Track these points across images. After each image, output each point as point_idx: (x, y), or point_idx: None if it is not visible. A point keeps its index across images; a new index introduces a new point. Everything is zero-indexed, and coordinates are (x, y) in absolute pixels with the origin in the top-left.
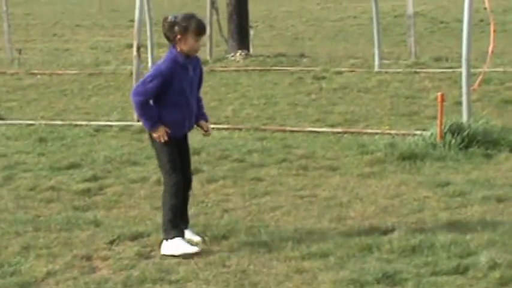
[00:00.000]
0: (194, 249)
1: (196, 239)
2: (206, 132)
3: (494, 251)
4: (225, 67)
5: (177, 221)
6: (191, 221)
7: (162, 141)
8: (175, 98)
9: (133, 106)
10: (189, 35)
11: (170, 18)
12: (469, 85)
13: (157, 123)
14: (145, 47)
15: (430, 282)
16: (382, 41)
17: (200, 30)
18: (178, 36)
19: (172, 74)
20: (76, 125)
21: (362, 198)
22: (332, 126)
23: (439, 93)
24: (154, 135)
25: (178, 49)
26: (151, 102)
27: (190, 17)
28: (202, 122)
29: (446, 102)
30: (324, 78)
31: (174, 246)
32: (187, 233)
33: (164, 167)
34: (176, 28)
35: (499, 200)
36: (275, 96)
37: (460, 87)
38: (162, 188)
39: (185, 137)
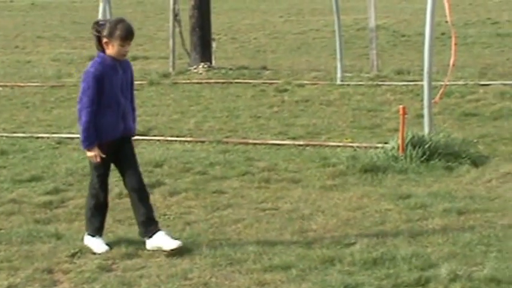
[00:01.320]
0: (102, 249)
1: (176, 243)
2: None
3: (455, 263)
4: (188, 80)
5: (93, 220)
6: None
7: (95, 161)
8: (107, 98)
9: (82, 120)
10: (115, 39)
11: (100, 22)
12: (430, 98)
13: (95, 142)
14: None
15: None
16: (344, 54)
17: (126, 35)
18: (105, 40)
19: (102, 74)
20: (38, 138)
21: (324, 210)
22: (294, 138)
23: (400, 106)
24: (89, 154)
25: (107, 53)
26: None
27: (118, 22)
28: None
29: (408, 115)
30: (286, 90)
31: (90, 243)
32: (164, 238)
33: (92, 169)
34: (104, 32)
35: (460, 212)
36: (237, 108)
37: (422, 100)
38: (123, 200)
39: (127, 142)
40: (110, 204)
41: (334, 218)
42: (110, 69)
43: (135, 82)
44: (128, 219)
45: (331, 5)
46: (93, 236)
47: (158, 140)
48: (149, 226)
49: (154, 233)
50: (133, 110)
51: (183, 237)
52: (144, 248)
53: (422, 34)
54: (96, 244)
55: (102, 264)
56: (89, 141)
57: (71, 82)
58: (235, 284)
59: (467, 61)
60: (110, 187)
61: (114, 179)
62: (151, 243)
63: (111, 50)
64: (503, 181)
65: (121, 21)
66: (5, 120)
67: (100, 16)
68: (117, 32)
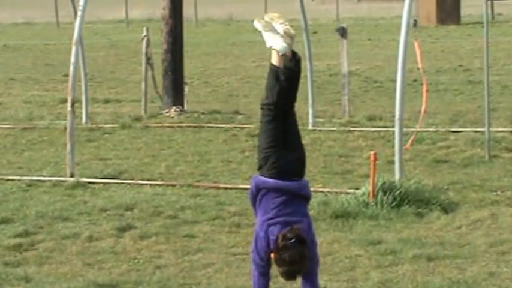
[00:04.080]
0: None
1: None
2: None
3: None
4: (160, 123)
5: None
6: (122, 278)
7: None
8: None
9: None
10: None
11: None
12: (401, 144)
13: None
14: (80, 102)
15: None
16: (316, 99)
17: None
18: (274, 255)
19: None
20: (8, 180)
21: None
22: None
23: (372, 152)
24: None
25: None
26: None
27: (284, 262)
28: None
29: (379, 161)
30: (258, 135)
31: None
32: None
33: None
34: (281, 253)
35: (430, 258)
36: (209, 153)
37: (393, 147)
38: (92, 244)
39: None
40: (80, 248)
41: None
42: None
43: (107, 125)
44: (98, 263)
45: (304, 50)
46: None
47: (129, 184)
48: None
49: None
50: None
51: (153, 281)
52: None
53: (394, 80)
54: None
55: None
56: None
57: (43, 125)
58: None
59: (439, 108)
60: (79, 230)
61: (84, 222)
62: None
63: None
64: (473, 228)
65: (292, 264)
66: None
67: (72, 59)
68: (279, 267)
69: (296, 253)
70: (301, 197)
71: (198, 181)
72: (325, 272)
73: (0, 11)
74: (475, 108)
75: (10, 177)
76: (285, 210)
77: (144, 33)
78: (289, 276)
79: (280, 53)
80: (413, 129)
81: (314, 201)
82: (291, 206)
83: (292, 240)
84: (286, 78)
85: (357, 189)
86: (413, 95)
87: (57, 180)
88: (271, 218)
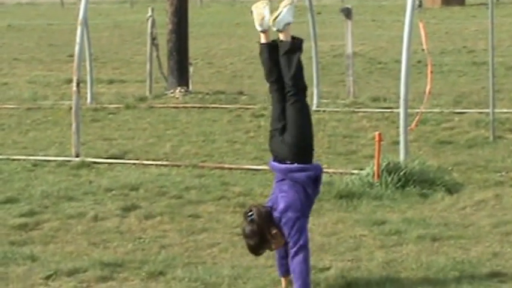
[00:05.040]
0: None
1: None
2: None
3: None
4: (164, 104)
5: None
6: (128, 257)
7: None
8: None
9: (304, 267)
10: None
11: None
12: (406, 125)
13: None
14: (85, 82)
15: None
16: (320, 80)
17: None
18: None
19: None
20: (13, 160)
21: None
22: None
23: (376, 133)
24: None
25: None
26: None
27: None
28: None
29: (384, 141)
30: (262, 116)
31: None
32: None
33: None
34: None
35: (434, 238)
36: (214, 133)
37: (398, 127)
38: (98, 223)
39: None
40: (85, 227)
41: (309, 243)
42: None
43: (112, 105)
44: (103, 242)
45: (309, 31)
46: None
47: (134, 164)
48: None
49: None
50: None
51: (158, 260)
52: (119, 271)
53: (398, 61)
54: None
55: (77, 287)
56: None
57: (47, 105)
58: None
59: (443, 89)
60: (85, 210)
61: (89, 202)
62: None
63: None
64: (477, 208)
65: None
66: None
67: (77, 39)
68: None
69: (247, 227)
70: (293, 181)
71: (203, 161)
72: (330, 251)
73: None
74: (479, 89)
75: (15, 157)
76: (278, 188)
77: (149, 14)
78: (247, 248)
79: (259, 30)
80: (418, 110)
81: None
82: (283, 186)
83: (250, 214)
84: (265, 54)
85: (361, 169)
86: (418, 76)
87: (62, 160)
88: (272, 194)
